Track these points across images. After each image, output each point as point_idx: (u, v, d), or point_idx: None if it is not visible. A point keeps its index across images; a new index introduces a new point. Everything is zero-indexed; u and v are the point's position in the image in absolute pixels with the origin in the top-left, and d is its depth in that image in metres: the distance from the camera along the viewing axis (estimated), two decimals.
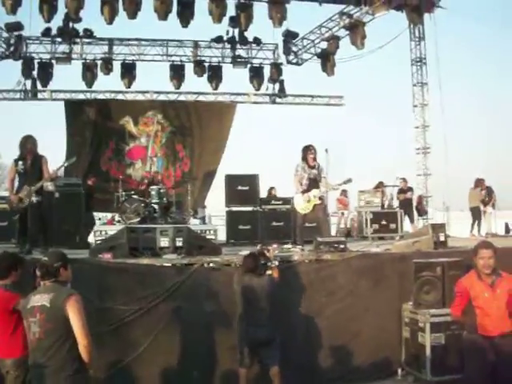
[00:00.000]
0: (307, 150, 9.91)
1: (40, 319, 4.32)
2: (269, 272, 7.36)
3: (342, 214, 17.17)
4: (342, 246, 8.72)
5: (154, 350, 7.45)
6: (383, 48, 17.27)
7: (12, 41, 17.43)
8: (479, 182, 15.71)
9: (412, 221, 16.29)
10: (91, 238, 12.29)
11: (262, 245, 8.31)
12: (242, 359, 7.12)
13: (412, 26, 18.21)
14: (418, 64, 18.85)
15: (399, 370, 8.27)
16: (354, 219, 16.59)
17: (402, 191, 16.54)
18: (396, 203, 16.29)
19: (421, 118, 18.93)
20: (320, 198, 9.85)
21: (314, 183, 9.87)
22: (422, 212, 18.13)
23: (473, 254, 5.83)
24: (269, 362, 7.12)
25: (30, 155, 8.74)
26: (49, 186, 10.75)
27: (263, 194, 14.06)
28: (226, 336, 7.61)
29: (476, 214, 15.48)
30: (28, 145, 8.79)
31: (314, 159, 9.92)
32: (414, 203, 17.50)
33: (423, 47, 18.71)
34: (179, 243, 8.24)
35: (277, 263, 7.60)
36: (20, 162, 8.74)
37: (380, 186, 16.34)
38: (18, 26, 16.56)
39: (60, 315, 4.25)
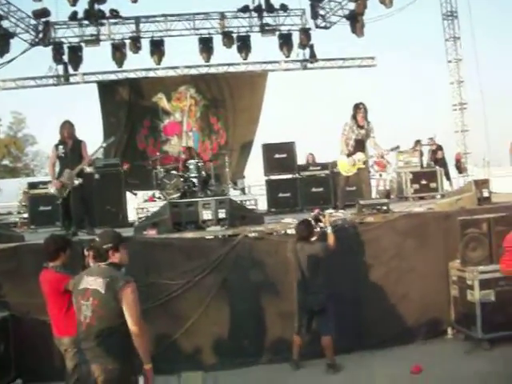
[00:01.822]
0: (357, 108, 9.76)
1: (92, 304, 4.22)
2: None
3: (380, 175, 17.01)
4: (384, 208, 8.66)
5: (204, 323, 7.57)
6: (413, 4, 16.92)
7: (40, 27, 17.49)
8: None
9: (448, 178, 16.07)
10: (133, 216, 12.44)
11: (318, 210, 8.20)
12: (297, 326, 7.19)
13: None
14: (450, 18, 18.43)
15: (449, 330, 8.26)
16: (392, 180, 16.44)
17: (432, 152, 16.34)
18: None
19: (456, 74, 18.55)
20: (364, 162, 9.77)
21: (360, 145, 9.76)
22: (462, 169, 17.88)
23: None
24: (322, 331, 7.17)
25: (69, 140, 8.98)
26: (87, 168, 10.90)
27: (301, 160, 14.01)
28: (274, 304, 7.69)
29: None
30: (67, 130, 9.00)
31: (364, 118, 9.79)
32: (453, 161, 17.27)
33: (454, 1, 18.26)
34: (222, 215, 8.28)
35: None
36: (60, 147, 8.97)
37: (417, 144, 16.13)
38: (45, 13, 16.64)
39: (114, 304, 4.14)
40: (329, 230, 7.41)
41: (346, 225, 8.18)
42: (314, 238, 7.24)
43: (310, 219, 7.58)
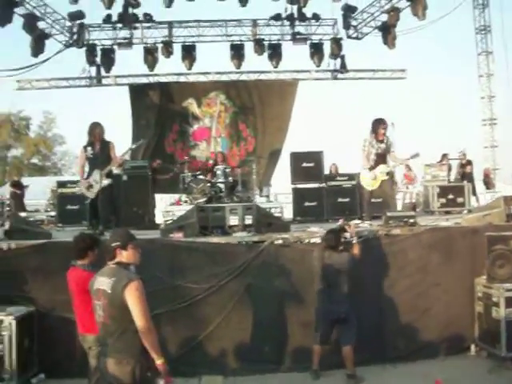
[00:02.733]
0: (378, 124, 9.74)
1: (103, 304, 4.31)
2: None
3: (407, 188, 16.94)
4: (411, 221, 8.61)
5: (226, 327, 7.60)
6: (445, 17, 16.86)
7: (75, 29, 17.77)
8: None
9: (474, 194, 15.93)
10: (160, 219, 12.53)
11: (344, 220, 8.20)
12: (318, 336, 7.19)
13: None
14: (483, 32, 18.33)
15: (472, 346, 8.16)
16: (419, 194, 16.35)
17: (461, 165, 16.24)
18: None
19: (487, 89, 18.41)
20: (388, 174, 9.74)
21: (381, 159, 9.74)
22: (490, 185, 17.71)
23: None
24: (343, 341, 7.14)
25: (98, 141, 9.12)
26: (115, 170, 11.01)
27: (328, 170, 14.01)
28: (296, 312, 7.69)
29: None
30: (96, 131, 9.15)
31: (384, 133, 9.78)
32: (481, 176, 17.12)
33: (487, 15, 18.15)
34: (248, 221, 8.30)
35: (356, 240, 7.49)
36: (89, 148, 9.11)
37: (444, 158, 16.03)
38: (79, 15, 16.94)
39: (120, 302, 4.18)
40: (354, 240, 7.41)
41: (370, 236, 8.15)
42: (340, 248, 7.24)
43: (336, 229, 7.58)
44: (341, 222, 8.21)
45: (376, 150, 9.71)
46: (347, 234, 7.52)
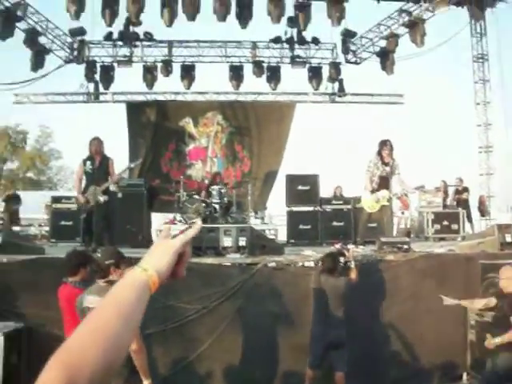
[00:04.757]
0: (383, 145, 9.77)
1: None
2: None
3: (403, 213, 16.95)
4: (405, 247, 8.61)
5: (217, 349, 7.53)
6: (444, 45, 17.02)
7: (75, 45, 17.87)
8: None
9: (470, 221, 15.96)
10: (154, 237, 12.49)
11: (341, 244, 8.18)
12: (311, 360, 7.10)
13: (473, 21, 17.82)
14: (480, 61, 18.41)
15: (464, 375, 8.12)
16: (413, 219, 16.37)
17: (457, 192, 16.31)
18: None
19: (483, 116, 18.49)
20: (388, 200, 9.74)
21: (384, 182, 9.75)
22: (485, 213, 17.73)
23: None
24: (336, 366, 7.05)
25: (97, 155, 9.11)
26: (111, 187, 10.99)
27: (324, 193, 14.03)
28: (288, 336, 7.63)
29: None
30: (96, 146, 9.14)
31: (389, 155, 9.79)
32: (476, 203, 17.16)
33: (485, 44, 18.26)
34: (242, 243, 8.29)
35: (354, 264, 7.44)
36: (88, 162, 9.10)
37: (442, 185, 16.08)
38: (81, 31, 17.03)
39: None
40: (352, 265, 7.37)
41: (365, 260, 8.13)
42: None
43: (335, 253, 7.55)
44: (339, 245, 8.19)
45: (380, 173, 9.71)
46: (342, 259, 7.50)
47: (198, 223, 1.59)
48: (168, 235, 1.53)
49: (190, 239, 1.53)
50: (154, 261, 1.45)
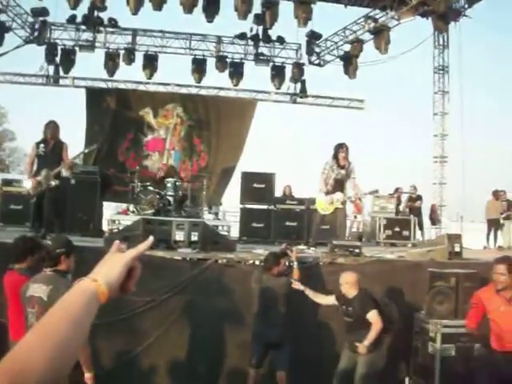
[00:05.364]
0: (339, 148, 9.82)
1: (37, 311, 4.18)
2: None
3: (355, 217, 17.12)
4: (356, 251, 8.67)
5: (163, 343, 7.47)
6: (406, 54, 17.25)
7: (37, 26, 17.51)
8: (499, 194, 15.64)
9: (421, 228, 16.22)
10: (104, 227, 12.32)
11: (286, 244, 8.20)
12: (252, 359, 7.09)
13: (436, 33, 18.13)
14: (441, 72, 18.74)
15: (406, 379, 8.21)
16: (365, 224, 16.55)
17: (410, 199, 16.57)
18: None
19: (440, 127, 18.83)
20: (342, 203, 9.79)
21: (339, 185, 9.80)
22: (436, 221, 18.06)
23: (490, 267, 5.83)
24: (277, 366, 7.07)
25: (52, 140, 8.94)
26: (64, 172, 10.79)
27: (278, 192, 14.03)
28: (235, 333, 7.61)
29: (494, 226, 15.42)
30: (51, 129, 8.96)
31: (345, 158, 9.84)
32: (428, 211, 17.46)
33: (446, 55, 18.61)
34: (194, 237, 8.21)
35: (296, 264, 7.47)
36: (41, 145, 8.91)
37: (397, 192, 16.31)
38: (43, 12, 16.75)
39: None
40: (295, 265, 7.40)
41: (312, 262, 8.17)
42: (279, 272, 7.19)
43: (277, 252, 7.57)
44: (283, 246, 8.21)
45: (336, 175, 9.77)
46: (289, 259, 7.52)
47: (150, 239, 1.63)
48: (117, 250, 1.54)
49: (140, 254, 1.54)
50: (104, 272, 1.47)
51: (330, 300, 7.08)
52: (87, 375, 4.16)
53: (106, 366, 7.08)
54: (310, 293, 7.12)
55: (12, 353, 1.22)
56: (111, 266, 1.49)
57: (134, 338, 7.43)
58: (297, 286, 7.04)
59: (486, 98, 60.96)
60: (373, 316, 6.57)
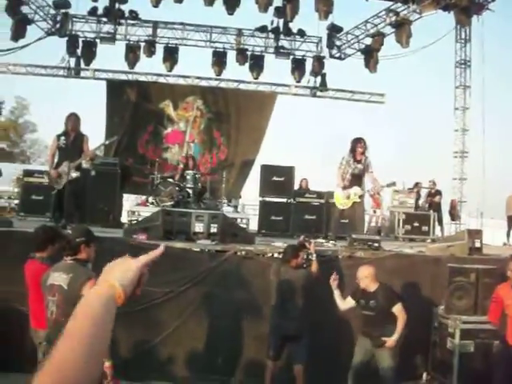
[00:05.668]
0: (357, 143, 9.78)
1: (58, 300, 4.22)
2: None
3: (374, 212, 17.04)
4: (376, 245, 8.64)
5: (182, 333, 7.52)
6: (428, 48, 17.08)
7: (58, 18, 17.60)
8: None
9: (440, 224, 16.10)
10: (124, 218, 12.39)
11: (304, 237, 8.19)
12: (269, 351, 7.08)
13: (459, 27, 17.94)
14: (462, 66, 18.53)
15: (424, 374, 8.19)
16: (384, 218, 16.47)
17: (430, 194, 16.45)
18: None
19: (461, 122, 18.63)
20: (360, 197, 9.76)
21: (356, 179, 9.77)
22: (455, 217, 17.91)
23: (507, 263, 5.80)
24: (294, 359, 7.06)
25: (72, 132, 9.00)
26: (85, 164, 10.86)
27: (298, 184, 14.02)
28: (253, 325, 7.63)
29: None
30: (72, 121, 9.01)
31: (363, 153, 9.80)
32: (447, 207, 17.32)
33: (468, 49, 18.38)
34: (213, 229, 8.26)
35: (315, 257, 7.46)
36: (62, 138, 8.97)
37: (416, 186, 16.21)
38: (65, 4, 16.80)
39: (76, 299, 4.03)
40: (313, 258, 7.39)
41: (331, 255, 8.15)
42: (297, 264, 7.18)
43: (296, 244, 7.56)
44: (301, 238, 8.19)
45: (352, 170, 9.74)
46: (308, 251, 7.51)
47: (161, 247, 1.65)
48: (127, 259, 1.59)
49: (150, 261, 1.59)
50: (119, 276, 1.51)
51: (350, 303, 6.99)
52: (106, 364, 4.18)
53: (125, 355, 7.13)
54: (337, 295, 7.07)
55: (50, 358, 1.27)
56: (125, 271, 1.53)
57: (153, 328, 7.48)
58: (334, 284, 7.00)
59: (509, 93, 60.28)
60: (399, 309, 6.58)
